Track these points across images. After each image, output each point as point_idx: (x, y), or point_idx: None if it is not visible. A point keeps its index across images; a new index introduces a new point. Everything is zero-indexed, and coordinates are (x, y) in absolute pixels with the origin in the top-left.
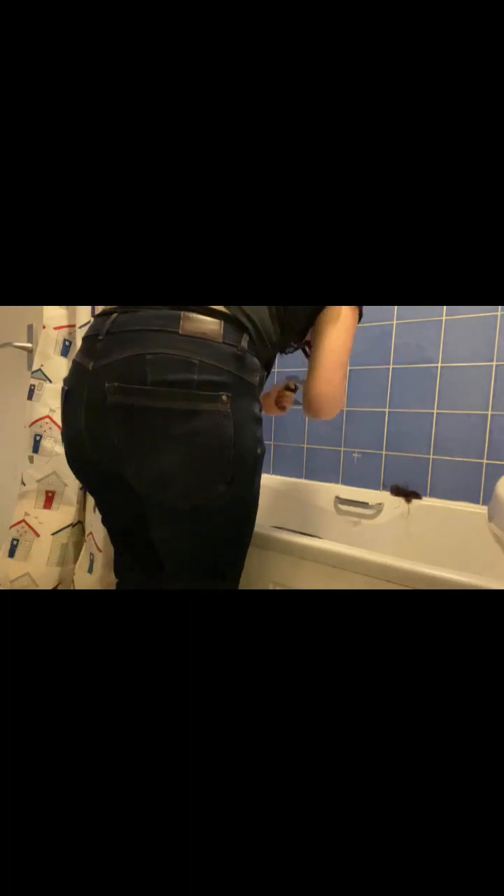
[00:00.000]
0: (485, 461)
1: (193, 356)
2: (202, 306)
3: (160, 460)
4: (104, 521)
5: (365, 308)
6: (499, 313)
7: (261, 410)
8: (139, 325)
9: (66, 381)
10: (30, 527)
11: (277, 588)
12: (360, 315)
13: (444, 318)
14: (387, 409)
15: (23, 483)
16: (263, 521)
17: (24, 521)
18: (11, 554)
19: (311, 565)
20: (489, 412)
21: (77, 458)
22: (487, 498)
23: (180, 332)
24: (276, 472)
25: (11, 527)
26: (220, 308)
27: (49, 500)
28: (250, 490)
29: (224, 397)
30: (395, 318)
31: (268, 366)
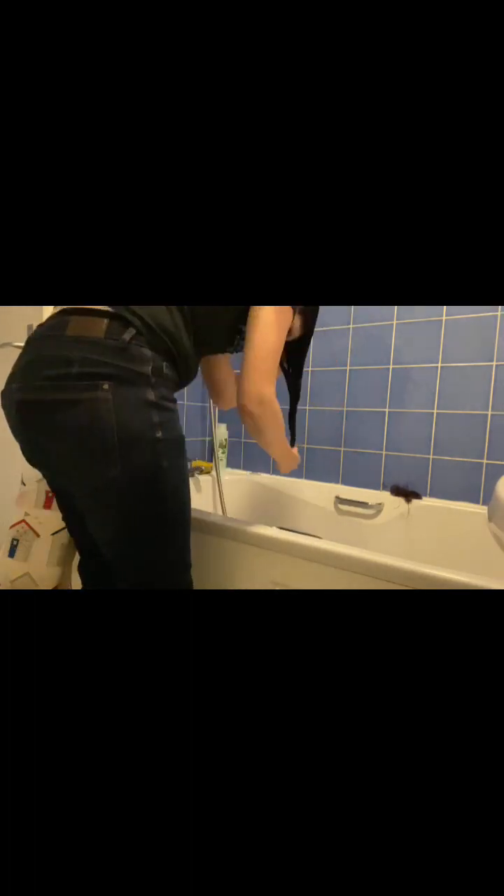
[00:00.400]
0: (485, 461)
1: (74, 353)
2: (84, 309)
3: (52, 449)
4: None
5: (365, 308)
6: (499, 313)
7: (163, 398)
8: (39, 333)
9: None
10: (30, 527)
11: (277, 588)
12: (311, 312)
13: (444, 318)
14: (387, 409)
15: (23, 483)
16: (263, 520)
17: (24, 521)
18: (11, 554)
19: (311, 565)
20: (489, 412)
21: (28, 460)
22: (487, 498)
23: (67, 333)
24: (276, 471)
25: (11, 527)
26: (104, 308)
27: (49, 500)
28: (154, 473)
29: (105, 385)
30: (395, 318)
31: (171, 356)
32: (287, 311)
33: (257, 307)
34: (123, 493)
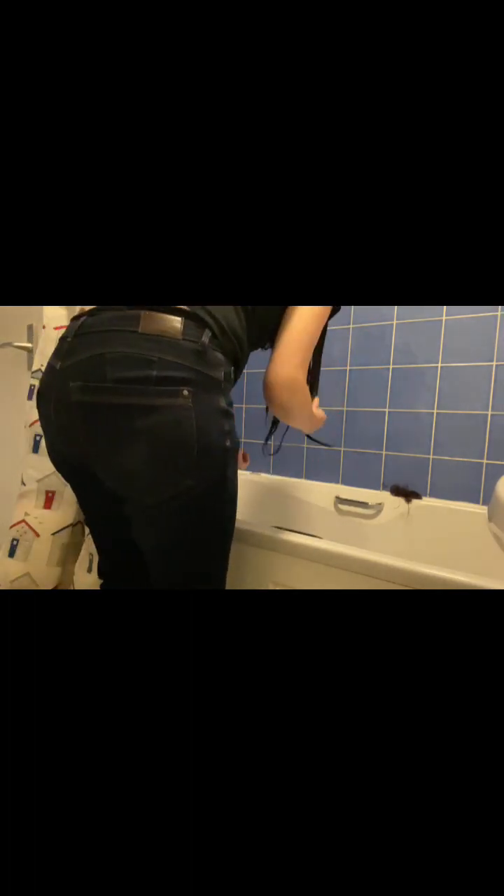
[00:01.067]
0: (485, 461)
1: (152, 353)
2: (163, 305)
3: (123, 457)
4: (86, 521)
5: (365, 308)
6: (499, 313)
7: (230, 405)
8: (102, 327)
9: (40, 381)
10: (30, 527)
11: (277, 588)
12: (335, 309)
13: (444, 318)
14: (387, 409)
15: (23, 483)
16: (263, 520)
17: (24, 521)
18: (11, 554)
19: (311, 565)
20: (489, 412)
21: (56, 457)
22: (487, 498)
23: (139, 330)
24: (276, 472)
25: (11, 527)
26: (181, 306)
27: (49, 500)
28: (221, 485)
29: (185, 392)
30: (395, 318)
31: (236, 361)
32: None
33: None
34: (193, 503)
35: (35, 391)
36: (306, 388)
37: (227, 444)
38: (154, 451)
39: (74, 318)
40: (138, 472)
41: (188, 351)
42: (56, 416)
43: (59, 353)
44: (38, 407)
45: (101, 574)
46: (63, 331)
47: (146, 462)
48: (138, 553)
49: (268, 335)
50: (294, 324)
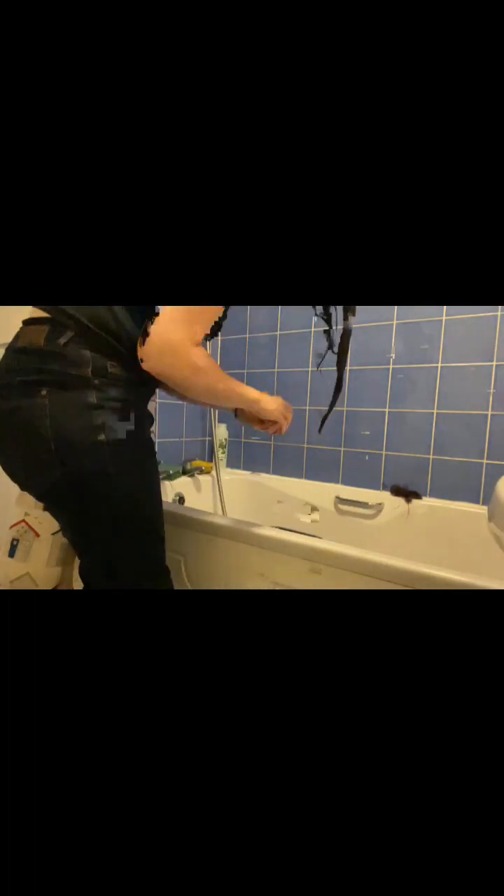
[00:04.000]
0: (485, 461)
1: (17, 363)
2: (34, 318)
3: (4, 457)
4: None
5: (365, 308)
6: (499, 313)
7: (109, 399)
8: (6, 344)
9: None
10: (30, 527)
11: (277, 588)
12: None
13: (444, 318)
14: (387, 409)
15: None
16: (264, 521)
17: (24, 521)
18: (11, 554)
19: (310, 565)
20: (489, 412)
21: None
22: (487, 498)
23: (18, 344)
24: (275, 472)
25: (11, 527)
26: (43, 314)
27: None
28: (97, 476)
29: (43, 392)
30: (395, 318)
31: (116, 353)
32: None
33: None
34: (68, 497)
35: None
36: (192, 351)
37: (101, 437)
38: (20, 449)
39: None
40: (18, 470)
41: (46, 355)
42: None
43: None
44: None
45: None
46: None
47: (18, 460)
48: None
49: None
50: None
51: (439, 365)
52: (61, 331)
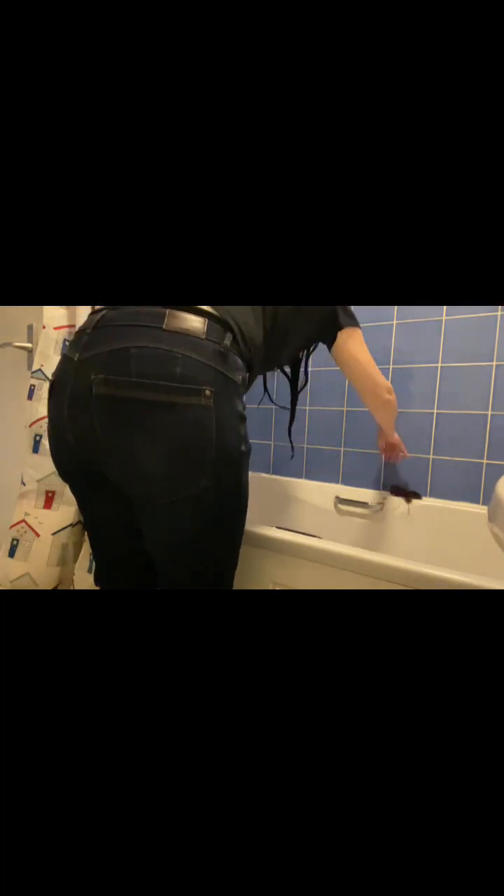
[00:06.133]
0: (485, 461)
1: (177, 350)
2: (188, 305)
3: (141, 453)
4: (85, 523)
5: (365, 308)
6: (499, 313)
7: (244, 408)
8: (125, 321)
9: (53, 373)
10: (30, 527)
11: (277, 588)
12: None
13: (444, 318)
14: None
15: (23, 483)
16: (263, 520)
17: (24, 521)
18: (11, 554)
19: (311, 565)
20: (489, 412)
21: (60, 450)
22: (487, 498)
23: (164, 327)
24: (276, 472)
25: (11, 527)
26: (205, 307)
27: (49, 500)
28: (236, 488)
29: (207, 392)
30: (395, 318)
31: (250, 369)
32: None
33: (346, 330)
34: (209, 504)
35: (50, 383)
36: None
37: (243, 448)
38: (173, 449)
39: (92, 313)
40: (155, 469)
41: (211, 351)
42: (69, 408)
43: (76, 345)
44: (50, 399)
45: (98, 580)
46: (64, 331)
47: (164, 460)
48: (140, 562)
49: (280, 351)
50: (361, 357)
51: (439, 365)
52: (224, 330)
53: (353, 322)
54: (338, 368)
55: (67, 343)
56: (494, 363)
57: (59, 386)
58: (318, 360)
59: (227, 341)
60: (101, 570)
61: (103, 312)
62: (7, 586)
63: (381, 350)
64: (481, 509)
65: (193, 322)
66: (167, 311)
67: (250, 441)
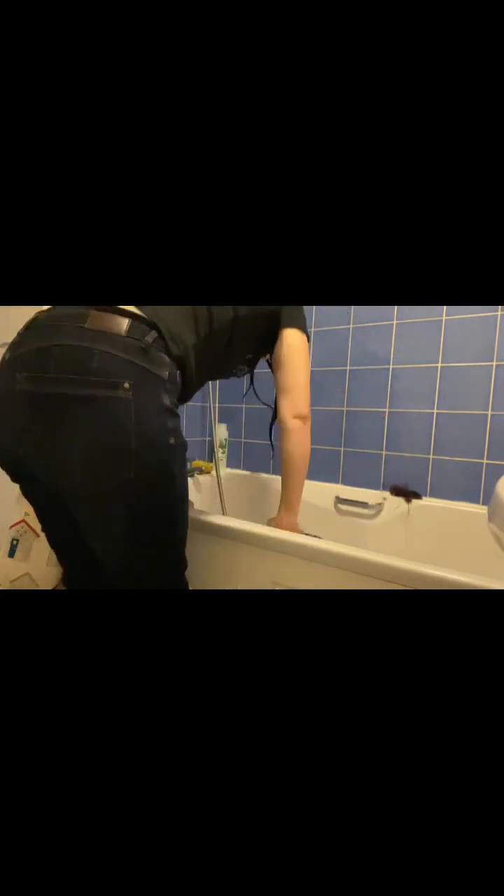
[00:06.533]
0: (485, 461)
1: (95, 347)
2: (111, 306)
3: (61, 446)
4: (39, 519)
5: (365, 308)
6: (499, 313)
7: (174, 405)
8: (51, 321)
9: None
10: (30, 527)
11: (277, 588)
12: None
13: (444, 318)
14: (387, 409)
15: None
16: (263, 520)
17: (24, 521)
18: (11, 554)
19: (311, 565)
20: (489, 412)
21: (2, 452)
22: (487, 498)
23: (87, 326)
24: (276, 472)
25: (11, 527)
26: (128, 308)
27: None
28: (167, 480)
29: (125, 385)
30: (395, 318)
31: (182, 366)
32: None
33: (288, 334)
34: (135, 497)
35: None
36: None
37: (172, 440)
38: (91, 440)
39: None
40: (76, 461)
41: (132, 347)
42: (8, 410)
43: (9, 345)
44: None
45: (66, 581)
46: None
47: (83, 451)
48: (87, 553)
49: (229, 349)
50: (298, 367)
51: (439, 365)
52: (144, 329)
53: (297, 325)
54: (337, 368)
55: None
56: (494, 363)
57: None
58: (318, 360)
59: (150, 338)
60: (69, 572)
61: (35, 315)
62: (7, 586)
63: (381, 350)
64: (481, 509)
65: (115, 321)
66: (91, 311)
67: (250, 441)
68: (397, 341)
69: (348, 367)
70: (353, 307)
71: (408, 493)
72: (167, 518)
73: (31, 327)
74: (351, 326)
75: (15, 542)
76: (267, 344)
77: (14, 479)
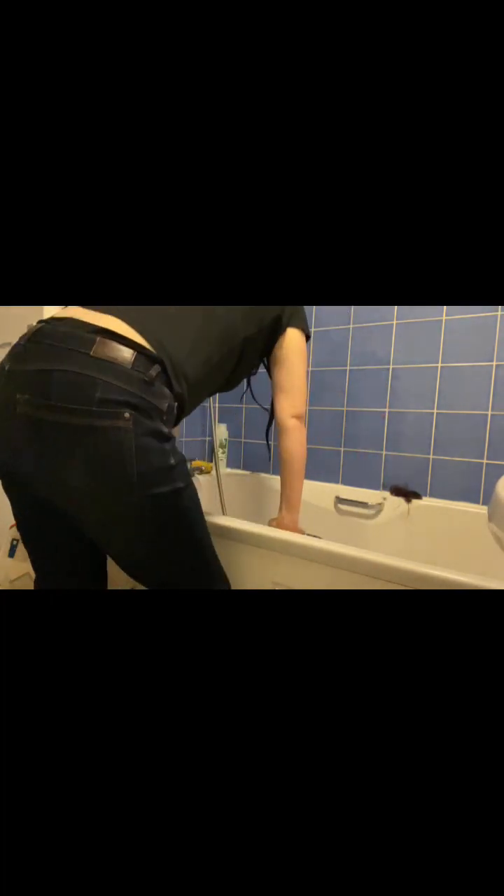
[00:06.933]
0: (485, 461)
1: (98, 376)
2: (116, 335)
3: (64, 473)
4: (20, 526)
5: (365, 308)
6: (499, 313)
7: (170, 432)
8: (57, 342)
9: None
10: None
11: (277, 588)
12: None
13: (444, 318)
14: (387, 409)
15: None
16: (263, 521)
17: None
18: (11, 554)
19: (311, 565)
20: (489, 412)
21: None
22: (487, 498)
23: (91, 354)
24: (276, 472)
25: (11, 527)
26: (137, 339)
27: None
28: (174, 497)
29: (126, 414)
30: (395, 318)
31: (181, 402)
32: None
33: (288, 333)
34: (146, 519)
35: None
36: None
37: (172, 461)
38: (94, 469)
39: (40, 321)
40: (82, 488)
41: (135, 379)
42: (7, 430)
43: (11, 354)
44: None
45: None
46: None
47: (87, 479)
48: (83, 567)
49: (243, 373)
50: (297, 369)
51: (439, 365)
52: (150, 363)
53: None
54: (337, 368)
55: None
56: (494, 363)
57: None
58: (318, 360)
59: (153, 372)
60: (43, 577)
61: (41, 325)
62: (7, 586)
63: (382, 350)
64: (481, 509)
65: (121, 351)
66: (98, 338)
67: (250, 441)
68: (397, 341)
69: (348, 367)
70: (353, 307)
71: (408, 493)
72: (183, 531)
73: (36, 340)
74: (351, 326)
75: (15, 542)
76: (267, 352)
77: (4, 486)
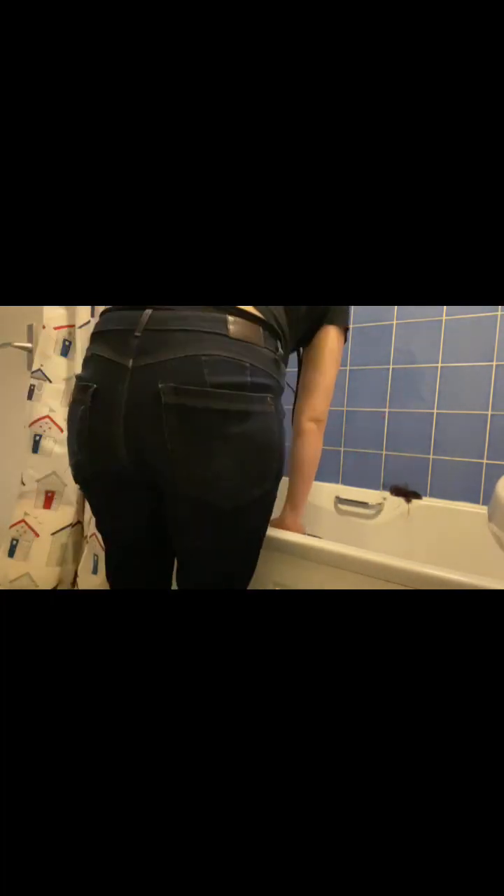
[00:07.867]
0: (485, 461)
1: (244, 359)
2: (242, 311)
3: (215, 461)
4: (102, 527)
5: (365, 308)
6: (499, 313)
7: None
8: (187, 325)
9: (89, 377)
10: (29, 527)
11: (277, 588)
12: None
13: (444, 318)
14: (387, 409)
15: (22, 483)
16: None
17: (23, 521)
18: (11, 554)
19: (311, 565)
20: (489, 412)
21: (97, 460)
22: (487, 498)
23: (230, 335)
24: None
25: (11, 527)
26: (257, 314)
27: (49, 500)
28: (276, 488)
29: (269, 399)
30: (395, 318)
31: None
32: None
33: (328, 332)
34: (265, 506)
35: (91, 389)
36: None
37: (287, 444)
38: (248, 455)
39: (119, 310)
40: (229, 476)
41: (268, 359)
42: (126, 417)
43: (124, 348)
44: (92, 404)
45: (115, 582)
46: (64, 331)
47: (239, 466)
48: (168, 559)
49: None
50: (328, 368)
51: (439, 365)
52: (275, 337)
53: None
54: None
55: (68, 344)
56: (494, 363)
57: (107, 393)
58: None
59: (280, 348)
60: (115, 575)
61: (149, 313)
62: (7, 586)
63: (382, 350)
64: (481, 509)
65: (252, 329)
66: (227, 316)
67: None
68: (397, 341)
69: (348, 367)
70: (353, 307)
71: (408, 493)
72: (263, 530)
73: (154, 329)
74: (351, 326)
75: (14, 542)
76: (303, 342)
77: (92, 480)
